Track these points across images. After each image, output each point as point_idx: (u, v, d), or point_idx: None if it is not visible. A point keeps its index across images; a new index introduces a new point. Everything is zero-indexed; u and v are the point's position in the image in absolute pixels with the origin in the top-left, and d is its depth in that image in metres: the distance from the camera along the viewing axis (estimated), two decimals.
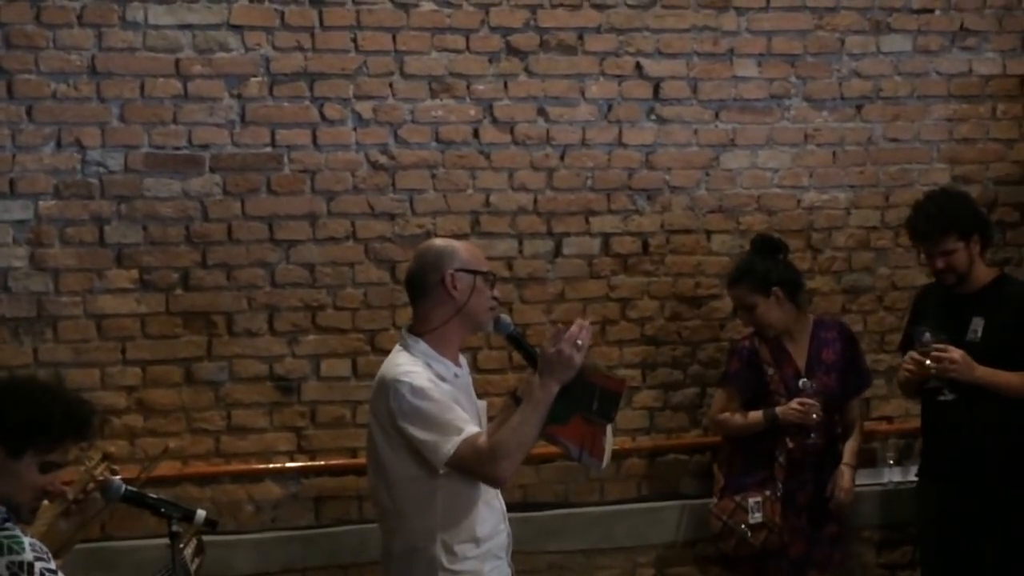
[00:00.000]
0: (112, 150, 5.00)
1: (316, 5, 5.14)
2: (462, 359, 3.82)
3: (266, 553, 5.11)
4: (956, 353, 4.62)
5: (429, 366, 3.64)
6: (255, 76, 5.10)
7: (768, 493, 5.06)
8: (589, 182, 5.44)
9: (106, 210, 5.00)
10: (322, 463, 5.20)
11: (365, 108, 5.20)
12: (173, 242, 5.06)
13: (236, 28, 5.08)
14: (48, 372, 4.81)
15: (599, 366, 3.72)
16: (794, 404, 5.03)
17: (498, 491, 3.74)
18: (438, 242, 3.90)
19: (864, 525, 5.65)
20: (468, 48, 5.29)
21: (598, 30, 5.42)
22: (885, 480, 5.67)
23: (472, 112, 5.31)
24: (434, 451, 3.53)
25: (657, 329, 5.53)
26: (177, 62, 5.03)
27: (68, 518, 3.71)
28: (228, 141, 5.09)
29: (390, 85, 5.23)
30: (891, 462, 5.69)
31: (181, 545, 3.50)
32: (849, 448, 5.22)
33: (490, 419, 3.89)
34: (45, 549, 2.98)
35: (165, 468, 4.88)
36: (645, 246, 5.51)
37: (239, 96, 5.09)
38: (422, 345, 3.69)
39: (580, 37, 5.40)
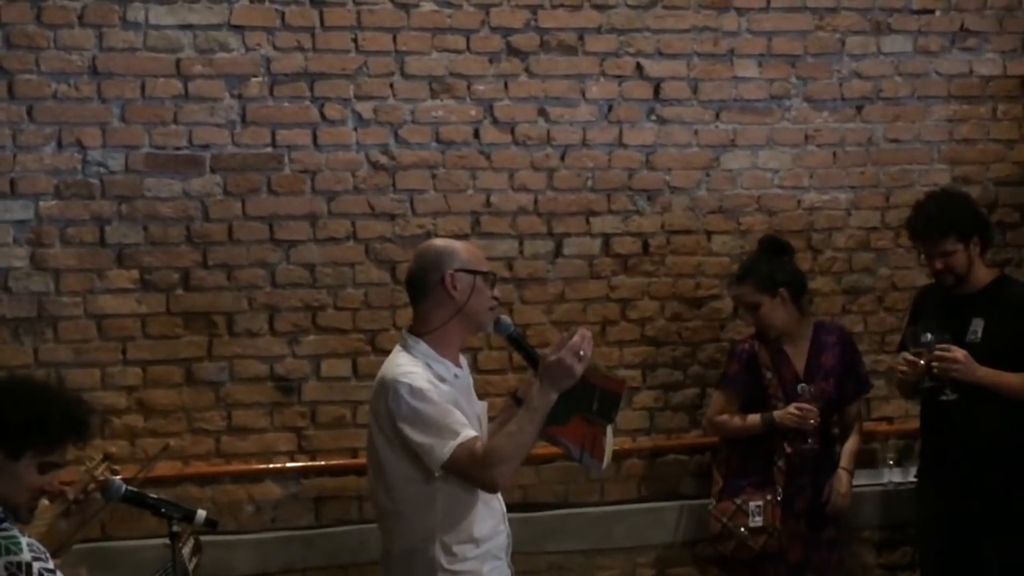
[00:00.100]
0: (113, 150, 5.00)
1: (317, 5, 5.15)
2: (463, 360, 3.82)
3: (266, 553, 5.11)
4: (959, 353, 4.61)
5: (429, 367, 3.64)
6: (256, 76, 5.11)
7: (769, 497, 5.07)
8: (589, 182, 5.44)
9: (107, 210, 5.00)
10: (322, 463, 5.20)
11: (366, 108, 5.20)
12: (174, 242, 5.06)
13: (237, 28, 5.08)
14: (44, 372, 4.82)
15: (599, 367, 3.71)
16: (792, 409, 5.03)
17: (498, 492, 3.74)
18: (438, 242, 3.90)
19: (864, 526, 5.66)
20: (469, 48, 5.29)
21: (598, 30, 5.42)
22: (885, 481, 5.67)
23: (472, 112, 5.31)
24: (429, 454, 3.53)
25: (657, 330, 5.53)
26: (178, 62, 5.04)
27: (68, 518, 3.72)
28: (229, 141, 5.09)
29: (390, 85, 5.23)
30: (891, 463, 5.69)
31: (180, 545, 3.51)
32: (847, 451, 5.22)
33: (491, 419, 3.89)
34: (43, 549, 2.98)
35: (165, 468, 4.90)
36: (645, 247, 5.51)
37: (240, 96, 5.09)
38: (422, 346, 3.68)
39: (580, 37, 5.40)
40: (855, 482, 5.27)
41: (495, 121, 5.33)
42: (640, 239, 5.50)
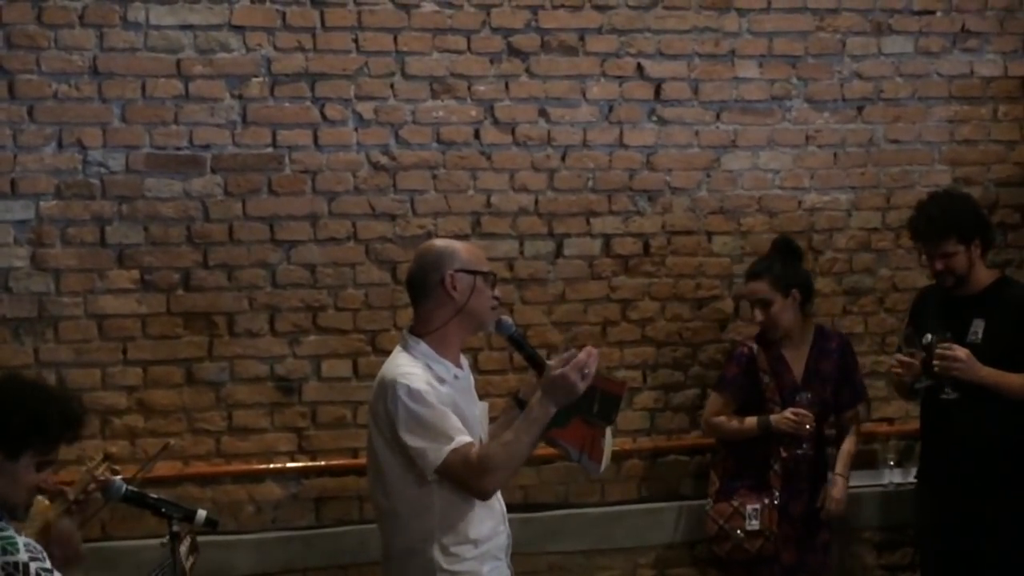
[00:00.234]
0: (113, 150, 5.00)
1: (317, 6, 5.15)
2: (463, 360, 3.81)
3: (266, 553, 5.11)
4: (962, 352, 4.61)
5: (429, 367, 3.64)
6: (256, 76, 5.11)
7: (766, 501, 5.07)
8: (590, 183, 5.44)
9: (107, 210, 5.00)
10: (323, 464, 5.20)
11: (366, 109, 5.20)
12: (174, 242, 5.06)
13: (237, 28, 5.08)
14: (45, 373, 4.82)
15: (600, 368, 3.71)
16: (788, 413, 5.04)
17: (498, 492, 3.73)
18: (438, 243, 3.89)
19: (864, 526, 5.66)
20: (469, 49, 5.29)
21: (599, 31, 5.42)
22: (885, 481, 5.67)
23: (473, 113, 5.31)
24: (423, 458, 3.52)
25: (658, 330, 5.53)
26: (178, 62, 5.04)
27: (69, 518, 3.71)
28: (229, 141, 5.09)
29: (391, 86, 5.23)
30: (891, 464, 5.68)
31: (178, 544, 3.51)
32: (843, 455, 5.22)
33: (492, 420, 3.88)
34: (40, 549, 2.99)
35: (165, 468, 4.90)
36: (646, 247, 5.51)
37: (240, 96, 5.09)
38: (423, 346, 3.68)
39: (581, 38, 5.40)
40: (855, 483, 5.28)
41: (496, 122, 5.33)
42: (641, 240, 5.50)
